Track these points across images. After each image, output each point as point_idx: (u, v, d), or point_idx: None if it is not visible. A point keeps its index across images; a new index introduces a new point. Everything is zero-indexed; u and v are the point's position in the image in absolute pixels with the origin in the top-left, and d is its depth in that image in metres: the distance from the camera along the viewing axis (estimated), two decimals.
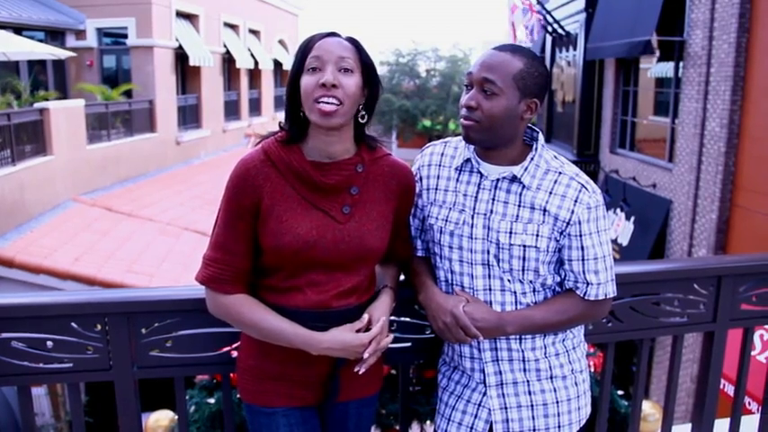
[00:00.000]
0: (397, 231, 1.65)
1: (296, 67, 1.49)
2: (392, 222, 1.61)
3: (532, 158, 1.58)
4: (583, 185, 1.56)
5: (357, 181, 1.54)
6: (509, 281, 1.59)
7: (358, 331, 1.53)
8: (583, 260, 1.57)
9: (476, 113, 1.52)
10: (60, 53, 11.09)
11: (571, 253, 1.57)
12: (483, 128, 1.52)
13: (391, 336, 1.58)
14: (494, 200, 1.58)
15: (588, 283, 1.59)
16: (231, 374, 1.83)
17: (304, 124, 1.52)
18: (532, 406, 1.64)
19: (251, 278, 1.58)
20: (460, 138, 1.63)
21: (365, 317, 1.55)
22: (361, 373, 1.54)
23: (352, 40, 1.50)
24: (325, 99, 1.43)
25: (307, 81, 1.45)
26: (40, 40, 12.18)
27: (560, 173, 1.57)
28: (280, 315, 1.52)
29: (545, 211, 1.55)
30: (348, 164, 1.54)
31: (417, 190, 1.69)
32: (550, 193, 1.55)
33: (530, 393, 1.65)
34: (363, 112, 1.53)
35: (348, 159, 1.54)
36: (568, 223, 1.54)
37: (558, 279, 1.63)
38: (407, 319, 1.84)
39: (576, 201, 1.54)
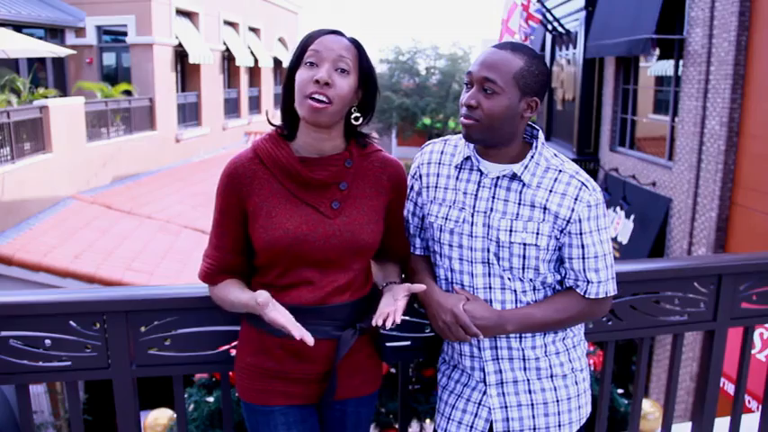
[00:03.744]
0: (392, 228, 1.64)
1: (294, 59, 1.48)
2: (385, 217, 1.61)
3: (532, 156, 1.57)
4: (583, 183, 1.55)
5: (346, 176, 1.54)
6: (509, 279, 1.58)
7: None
8: (583, 258, 1.57)
9: (476, 112, 1.51)
10: (60, 51, 11.08)
11: (571, 251, 1.57)
12: (483, 127, 1.52)
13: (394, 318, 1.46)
14: (494, 198, 1.57)
15: (588, 282, 1.59)
16: (230, 373, 1.83)
17: (297, 118, 1.52)
18: (532, 405, 1.64)
19: (246, 274, 1.61)
20: (460, 136, 1.62)
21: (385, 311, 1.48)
22: (378, 324, 1.46)
23: (354, 41, 1.50)
24: (316, 96, 1.43)
25: (302, 75, 1.45)
26: (40, 38, 12.17)
27: (560, 171, 1.57)
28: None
29: (545, 209, 1.54)
30: (337, 159, 1.53)
31: (417, 188, 1.68)
32: (550, 191, 1.55)
33: (530, 392, 1.64)
34: (357, 114, 1.53)
35: (337, 155, 1.54)
36: (569, 221, 1.54)
37: (559, 277, 1.62)
38: (407, 318, 1.83)
39: (576, 199, 1.54)
